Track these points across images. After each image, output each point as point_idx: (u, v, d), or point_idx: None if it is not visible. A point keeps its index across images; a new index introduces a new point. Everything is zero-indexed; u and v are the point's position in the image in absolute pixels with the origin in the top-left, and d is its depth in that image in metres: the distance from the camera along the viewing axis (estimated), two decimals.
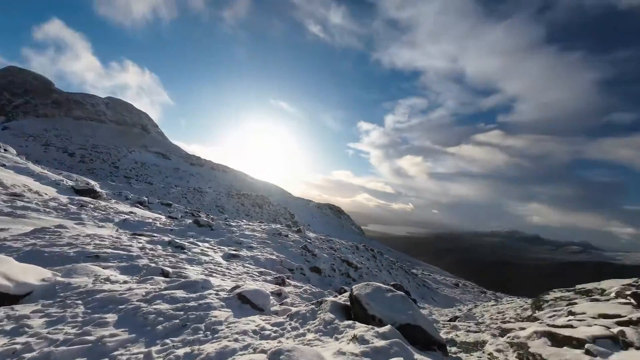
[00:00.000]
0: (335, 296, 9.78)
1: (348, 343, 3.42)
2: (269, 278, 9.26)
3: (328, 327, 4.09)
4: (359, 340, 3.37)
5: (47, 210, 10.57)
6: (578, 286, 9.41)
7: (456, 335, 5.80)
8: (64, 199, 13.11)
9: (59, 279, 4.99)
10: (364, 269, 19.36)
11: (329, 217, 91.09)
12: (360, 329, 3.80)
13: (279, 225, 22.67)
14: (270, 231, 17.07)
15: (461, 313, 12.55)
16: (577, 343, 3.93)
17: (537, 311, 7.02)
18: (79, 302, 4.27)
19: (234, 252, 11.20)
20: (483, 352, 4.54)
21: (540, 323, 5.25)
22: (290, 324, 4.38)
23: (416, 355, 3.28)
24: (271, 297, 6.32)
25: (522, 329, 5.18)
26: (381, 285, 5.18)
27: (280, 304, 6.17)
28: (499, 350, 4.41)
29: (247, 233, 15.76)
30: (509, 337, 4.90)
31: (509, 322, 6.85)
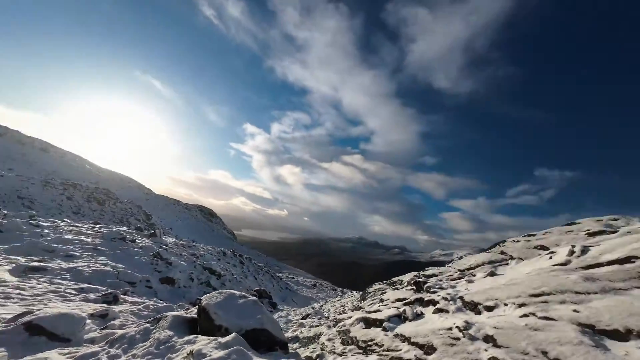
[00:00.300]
0: (187, 309, 8.79)
1: None
2: (93, 296, 7.19)
3: (162, 347, 3.57)
4: (196, 355, 3.13)
5: None
6: (393, 279, 12.67)
7: (301, 332, 6.42)
8: None
9: None
10: (228, 276, 18.45)
11: (198, 220, 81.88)
12: (201, 342, 3.54)
13: (124, 228, 18.20)
14: (108, 235, 13.42)
15: (312, 310, 14.12)
16: (379, 323, 5.17)
17: (362, 302, 8.83)
18: None
19: (38, 264, 8.05)
20: (318, 344, 5.22)
21: (362, 311, 6.65)
22: (108, 353, 3.53)
23: (255, 359, 3.38)
24: (88, 321, 4.91)
25: (350, 317, 6.35)
26: (235, 292, 5.08)
27: (102, 329, 4.87)
28: (329, 339, 5.18)
29: (67, 237, 11.73)
30: (339, 326, 5.88)
31: (344, 313, 8.24)
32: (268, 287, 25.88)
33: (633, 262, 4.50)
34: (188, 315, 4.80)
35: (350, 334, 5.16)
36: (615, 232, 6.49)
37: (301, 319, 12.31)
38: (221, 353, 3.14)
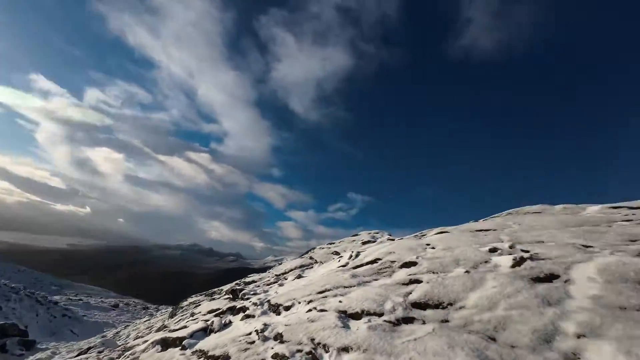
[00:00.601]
0: None
1: None
2: None
3: None
4: None
5: None
6: (213, 289, 12.08)
7: None
8: None
9: None
10: None
11: None
12: None
13: None
14: None
15: (100, 341, 10.86)
16: (179, 342, 4.68)
17: (170, 319, 7.79)
18: None
19: None
20: None
21: (164, 330, 5.81)
22: None
23: None
24: None
25: (145, 342, 5.36)
26: None
27: None
28: None
29: None
30: (126, 356, 4.81)
31: (139, 337, 6.88)
32: (26, 318, 17.62)
33: (377, 262, 6.71)
34: None
35: None
36: (375, 241, 9.51)
37: (77, 354, 9.15)
38: None
